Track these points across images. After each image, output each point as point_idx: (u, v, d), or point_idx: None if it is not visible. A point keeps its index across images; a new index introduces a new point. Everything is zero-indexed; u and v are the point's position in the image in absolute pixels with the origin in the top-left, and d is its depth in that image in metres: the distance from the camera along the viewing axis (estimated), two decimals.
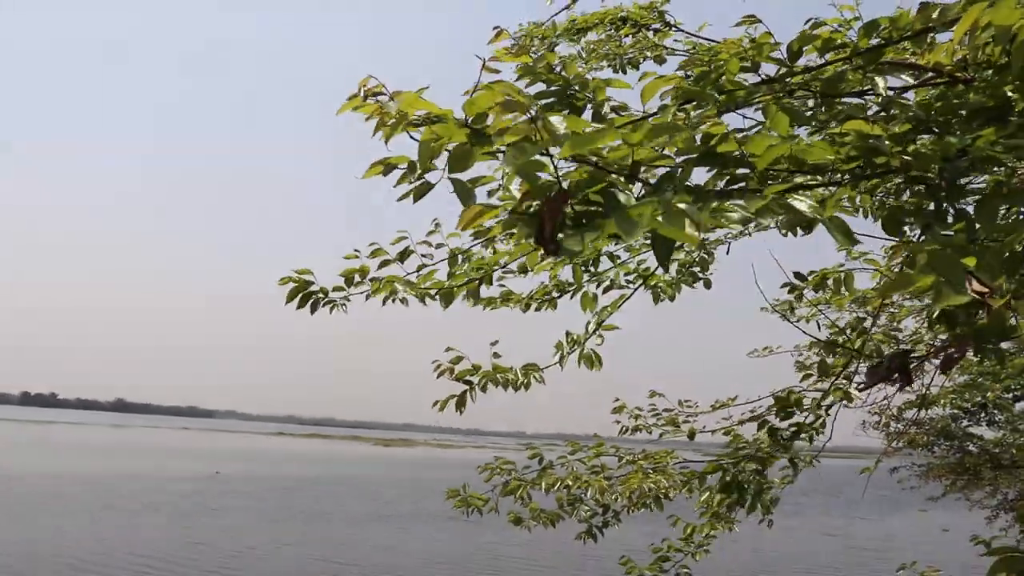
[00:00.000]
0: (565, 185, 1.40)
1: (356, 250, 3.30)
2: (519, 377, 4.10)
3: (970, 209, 1.54)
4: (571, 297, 4.11)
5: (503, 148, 1.38)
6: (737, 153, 1.56)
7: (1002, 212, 1.68)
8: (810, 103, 2.66)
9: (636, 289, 4.35)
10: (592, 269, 4.00)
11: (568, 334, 4.27)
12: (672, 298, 4.50)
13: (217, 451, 77.67)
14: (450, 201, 1.52)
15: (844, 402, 4.24)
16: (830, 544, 28.78)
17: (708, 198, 1.36)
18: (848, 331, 5.02)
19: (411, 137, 1.51)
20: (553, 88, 2.18)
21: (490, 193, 2.16)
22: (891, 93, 2.25)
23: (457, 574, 19.17)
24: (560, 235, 1.36)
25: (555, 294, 4.20)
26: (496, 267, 3.46)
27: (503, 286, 4.09)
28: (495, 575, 19.39)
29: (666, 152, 1.65)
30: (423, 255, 3.32)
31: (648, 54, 5.36)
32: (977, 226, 1.43)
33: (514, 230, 1.48)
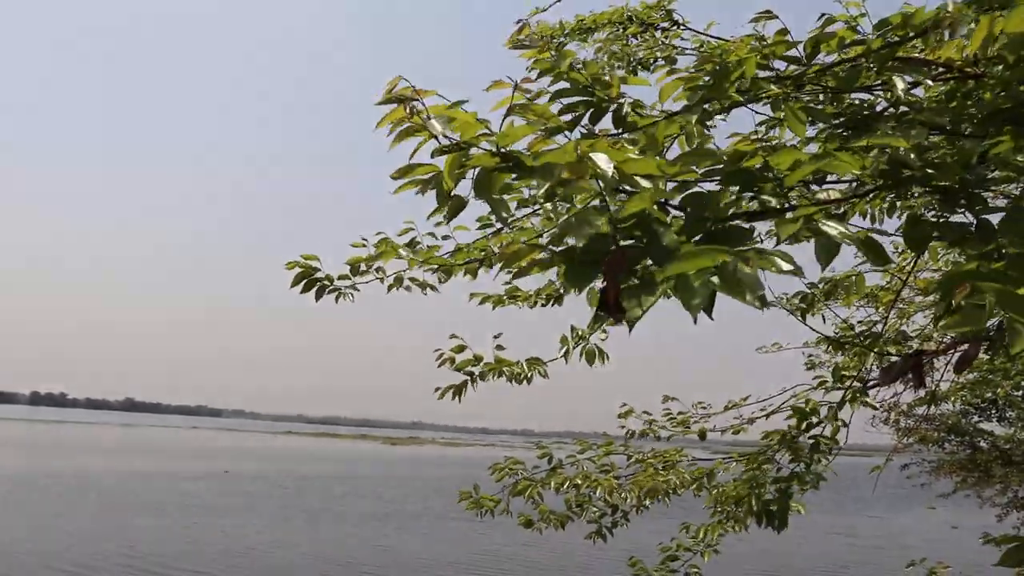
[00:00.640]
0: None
1: (363, 238, 3.29)
2: (523, 370, 4.09)
3: (994, 220, 1.53)
4: (578, 293, 4.09)
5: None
6: (762, 167, 1.55)
7: None
8: (820, 97, 2.65)
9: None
10: None
11: (573, 329, 4.26)
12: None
13: (226, 450, 77.93)
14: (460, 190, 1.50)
15: (860, 407, 4.24)
16: (839, 542, 28.69)
17: (744, 236, 1.33)
18: (858, 330, 5.00)
19: (439, 140, 1.50)
20: (576, 88, 2.17)
21: (520, 203, 2.15)
22: (907, 87, 2.24)
23: (468, 572, 19.17)
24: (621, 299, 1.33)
25: (562, 291, 4.18)
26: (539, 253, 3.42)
27: (508, 283, 4.07)
28: (506, 575, 19.37)
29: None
30: (429, 247, 3.31)
31: (658, 54, 5.34)
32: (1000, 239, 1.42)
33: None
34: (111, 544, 20.12)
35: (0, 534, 20.55)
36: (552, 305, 4.22)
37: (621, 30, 5.38)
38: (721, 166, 1.58)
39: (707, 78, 2.17)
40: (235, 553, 19.99)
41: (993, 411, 14.88)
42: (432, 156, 1.51)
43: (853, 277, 4.78)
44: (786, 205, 1.57)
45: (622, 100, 2.20)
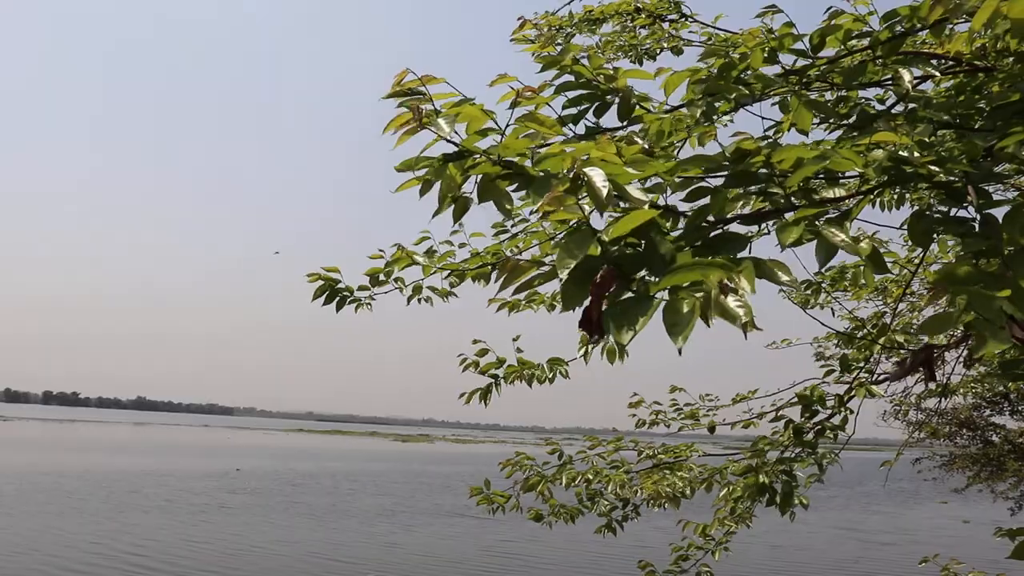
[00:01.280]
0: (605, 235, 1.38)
1: (380, 250, 3.34)
2: (544, 371, 4.11)
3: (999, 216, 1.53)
4: (572, 310, 4.09)
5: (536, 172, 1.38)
6: (764, 165, 1.55)
7: None
8: (827, 95, 2.65)
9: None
10: None
11: None
12: None
13: (237, 448, 78.25)
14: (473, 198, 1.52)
15: (867, 397, 4.23)
16: (850, 538, 28.58)
17: (742, 243, 1.33)
18: (868, 324, 4.99)
19: (448, 140, 1.51)
20: (579, 81, 2.17)
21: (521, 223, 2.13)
22: (914, 82, 2.23)
23: (469, 572, 19.17)
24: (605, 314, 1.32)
25: (560, 307, 4.18)
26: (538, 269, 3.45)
27: (532, 288, 4.08)
28: (509, 573, 19.37)
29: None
30: (445, 254, 3.35)
31: (665, 45, 5.34)
32: (1004, 236, 1.41)
33: (545, 299, 1.46)
34: (115, 543, 20.20)
35: (6, 532, 20.68)
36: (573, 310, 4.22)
37: (629, 21, 5.37)
38: (725, 166, 1.58)
39: (712, 71, 2.17)
40: (242, 551, 20.05)
41: (1005, 404, 14.81)
42: (438, 163, 1.53)
43: (861, 267, 4.77)
44: (789, 205, 1.57)
45: (627, 92, 2.20)
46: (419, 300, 3.44)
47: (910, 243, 4.94)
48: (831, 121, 2.59)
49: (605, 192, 1.32)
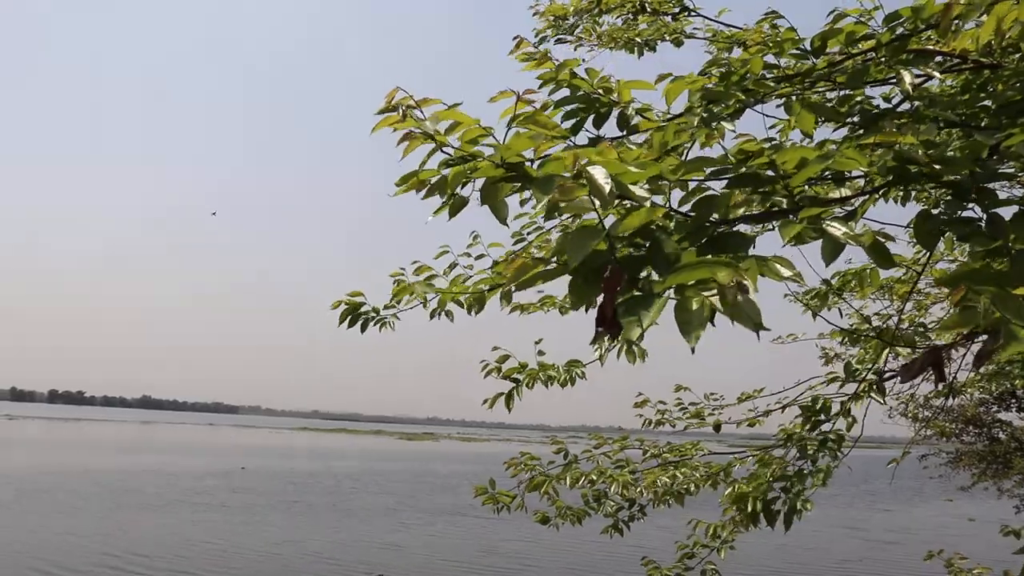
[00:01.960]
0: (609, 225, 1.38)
1: (401, 268, 3.35)
2: (562, 374, 4.13)
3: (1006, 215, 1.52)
4: (582, 308, 4.09)
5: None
6: (768, 166, 1.55)
7: None
8: (831, 95, 2.64)
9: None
10: None
11: None
12: None
13: (243, 447, 78.39)
14: (487, 211, 1.52)
15: (874, 398, 4.22)
16: (855, 536, 28.54)
17: (746, 242, 1.33)
18: (874, 322, 4.97)
19: (443, 152, 1.52)
20: (578, 95, 2.18)
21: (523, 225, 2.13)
22: (917, 81, 2.22)
23: (467, 572, 19.16)
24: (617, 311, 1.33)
25: (568, 306, 4.17)
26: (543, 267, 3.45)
27: (540, 291, 4.10)
28: (507, 573, 19.35)
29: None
30: (465, 268, 3.35)
31: (666, 37, 5.33)
32: (1012, 236, 1.41)
33: (556, 301, 1.45)
34: (111, 542, 20.23)
35: (7, 532, 20.74)
36: (587, 311, 4.22)
37: (632, 16, 5.37)
38: (728, 168, 1.58)
39: (712, 83, 2.17)
40: (238, 551, 20.02)
41: (1012, 401, 14.77)
42: (439, 168, 1.54)
43: (868, 270, 4.75)
44: (793, 205, 1.57)
45: (627, 104, 2.20)
46: (438, 315, 3.43)
47: (915, 242, 4.93)
48: (837, 121, 2.58)
49: (608, 188, 1.32)
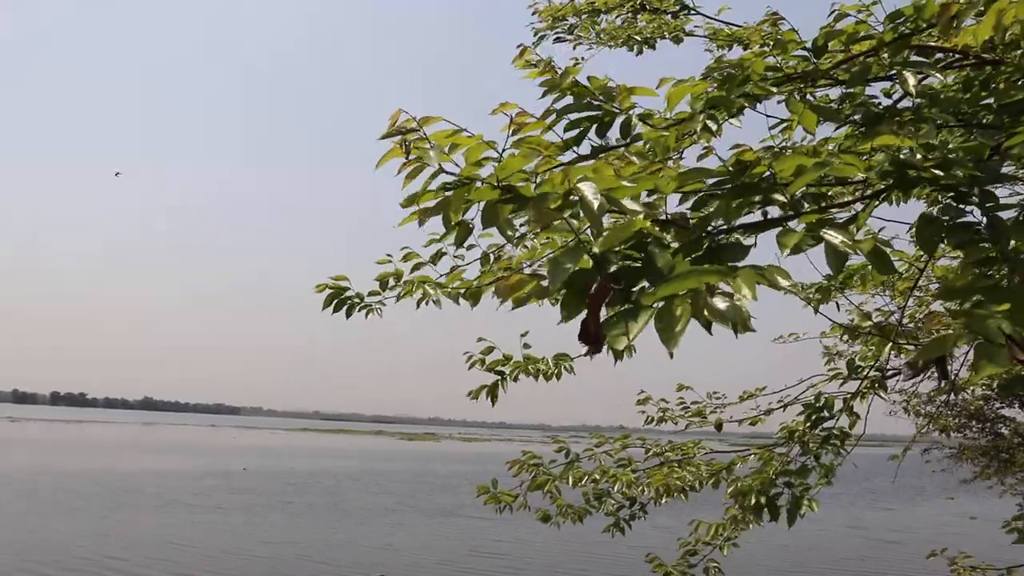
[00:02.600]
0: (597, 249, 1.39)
1: (388, 255, 3.34)
2: (550, 367, 4.12)
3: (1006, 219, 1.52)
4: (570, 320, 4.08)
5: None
6: (767, 174, 1.55)
7: None
8: (833, 94, 2.64)
9: None
10: None
11: None
12: None
13: (244, 448, 78.44)
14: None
15: (876, 395, 4.22)
16: (857, 535, 28.52)
17: (742, 252, 1.34)
18: (875, 319, 4.96)
19: (445, 171, 1.54)
20: (581, 103, 2.18)
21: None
22: (917, 83, 2.22)
23: (461, 572, 19.14)
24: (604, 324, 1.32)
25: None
26: (527, 263, 3.46)
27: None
28: (501, 574, 19.33)
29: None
30: (455, 256, 3.33)
31: (666, 34, 5.33)
32: (1012, 242, 1.40)
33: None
34: (106, 543, 20.21)
35: (7, 533, 20.76)
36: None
37: (631, 15, 5.37)
38: (727, 178, 1.58)
39: (713, 86, 2.18)
40: (231, 552, 19.96)
41: (1013, 398, 14.75)
42: (438, 191, 1.56)
43: (869, 266, 4.75)
44: (793, 212, 1.57)
45: (630, 112, 2.21)
46: (427, 302, 3.43)
47: (923, 263, 4.92)
48: (839, 120, 2.58)
49: (597, 204, 1.34)
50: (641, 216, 1.35)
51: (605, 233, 1.35)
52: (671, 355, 1.17)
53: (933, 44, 2.50)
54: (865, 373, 4.46)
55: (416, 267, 3.32)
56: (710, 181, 1.59)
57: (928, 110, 2.07)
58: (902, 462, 6.99)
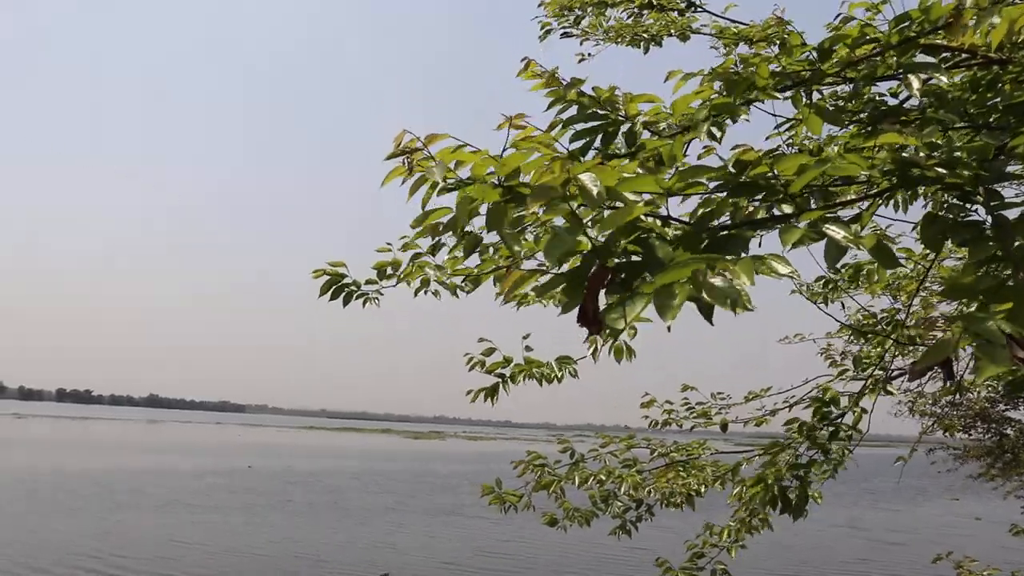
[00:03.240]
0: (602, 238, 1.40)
1: (388, 243, 3.32)
2: (552, 370, 4.10)
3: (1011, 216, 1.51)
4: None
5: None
6: (770, 175, 1.55)
7: None
8: (840, 90, 2.64)
9: None
10: None
11: None
12: None
13: (249, 446, 78.61)
14: None
15: (882, 394, 4.22)
16: (861, 537, 28.47)
17: (743, 244, 1.34)
18: (881, 320, 4.95)
19: (447, 182, 1.55)
20: (586, 113, 2.19)
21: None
22: (922, 86, 2.22)
23: (460, 572, 19.14)
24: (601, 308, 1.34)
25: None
26: (527, 258, 3.45)
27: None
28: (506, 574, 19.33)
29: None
30: (454, 248, 3.30)
31: (672, 32, 5.33)
32: (1017, 242, 1.39)
33: (553, 294, 1.47)
34: (105, 542, 20.25)
35: (8, 532, 20.82)
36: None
37: (638, 11, 5.36)
38: (727, 178, 1.58)
39: (719, 86, 2.18)
40: (228, 551, 19.97)
41: (1020, 399, 14.71)
42: (438, 195, 1.58)
43: (876, 265, 4.73)
44: (795, 208, 1.56)
45: (635, 119, 2.21)
46: (425, 292, 3.42)
47: (930, 261, 4.91)
48: (844, 116, 2.58)
49: (596, 191, 1.35)
50: (641, 204, 1.35)
51: (605, 216, 1.35)
52: (668, 328, 1.18)
53: (940, 43, 2.49)
54: (870, 372, 4.46)
55: (415, 256, 3.29)
56: (712, 184, 1.58)
57: (934, 110, 2.07)
58: (907, 462, 6.97)
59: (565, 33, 5.49)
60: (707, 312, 1.20)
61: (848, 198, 1.67)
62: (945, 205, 1.60)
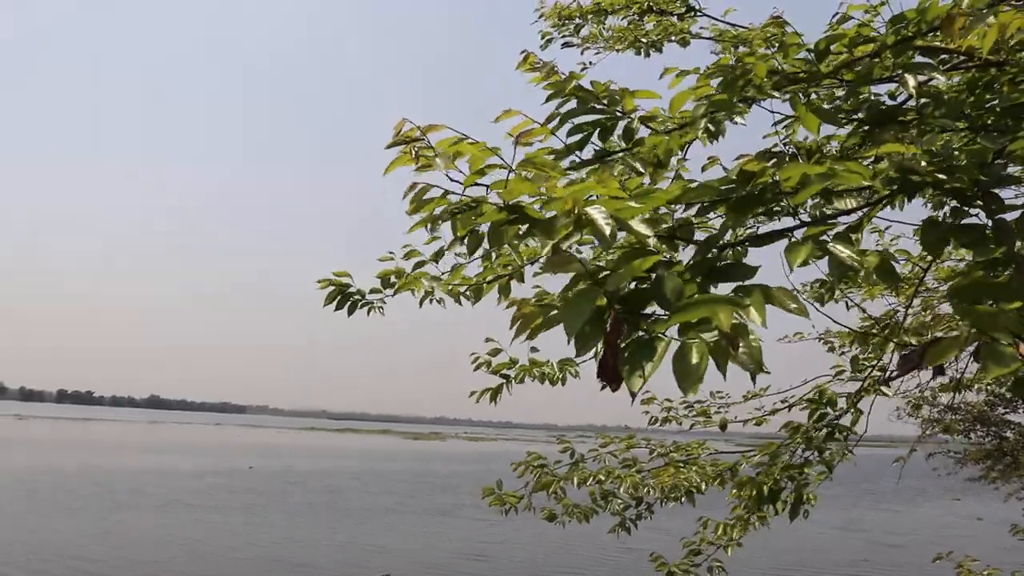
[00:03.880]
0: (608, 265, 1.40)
1: (390, 252, 3.33)
2: (555, 371, 4.13)
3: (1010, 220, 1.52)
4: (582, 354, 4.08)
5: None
6: (772, 183, 1.56)
7: None
8: (838, 92, 2.65)
9: None
10: None
11: None
12: None
13: (250, 446, 78.63)
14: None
15: (879, 394, 4.22)
16: (859, 538, 28.45)
17: (749, 272, 1.34)
18: (880, 323, 4.96)
19: (449, 178, 1.56)
20: (585, 107, 2.20)
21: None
22: (922, 79, 2.22)
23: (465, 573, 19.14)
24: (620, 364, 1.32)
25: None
26: (530, 263, 3.46)
27: (538, 286, 4.10)
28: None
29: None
30: (457, 255, 3.31)
31: (672, 37, 5.34)
32: (1018, 244, 1.40)
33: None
34: (115, 542, 20.27)
35: (8, 533, 20.82)
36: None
37: (637, 17, 5.38)
38: (730, 191, 1.59)
39: (716, 83, 2.19)
40: (217, 552, 19.95)
41: (1019, 402, 14.72)
42: (443, 220, 1.60)
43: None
44: (798, 222, 1.58)
45: (633, 115, 2.22)
46: (431, 301, 3.43)
47: (928, 264, 4.91)
48: (842, 117, 2.59)
49: (608, 231, 1.35)
50: (653, 242, 1.36)
51: (620, 271, 1.35)
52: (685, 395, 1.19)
53: (937, 45, 2.50)
54: (868, 373, 4.46)
55: (418, 264, 3.29)
56: (714, 198, 1.59)
57: (932, 113, 2.08)
58: (906, 463, 6.98)
59: (566, 43, 5.51)
60: (723, 367, 1.21)
61: (849, 207, 1.68)
62: (945, 209, 1.61)
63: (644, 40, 5.25)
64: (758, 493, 4.16)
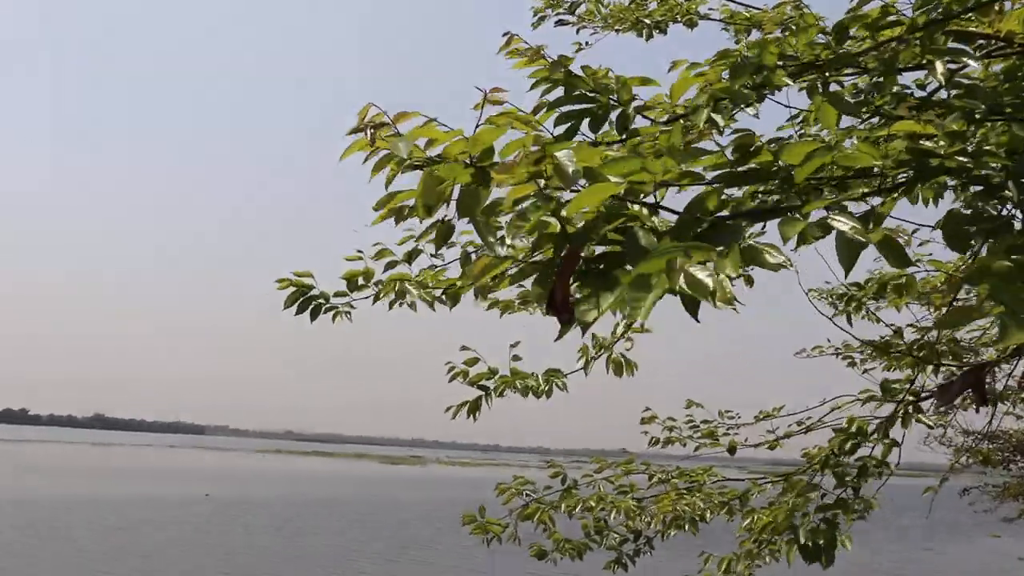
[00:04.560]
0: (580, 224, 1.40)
1: (359, 251, 3.27)
2: (540, 383, 4.08)
3: None
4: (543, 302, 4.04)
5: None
6: (771, 163, 1.56)
7: None
8: (860, 83, 2.66)
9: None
10: None
11: (594, 337, 4.25)
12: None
13: (207, 471, 77.99)
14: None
15: (922, 421, 4.19)
16: None
17: (736, 234, 1.35)
18: (910, 337, 4.95)
19: (416, 166, 1.56)
20: (573, 95, 2.19)
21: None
22: (952, 68, 2.23)
23: None
24: (572, 299, 1.34)
25: (578, 295, 4.15)
26: (511, 265, 3.44)
27: (522, 286, 4.08)
28: None
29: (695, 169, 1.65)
30: (432, 255, 3.26)
31: (678, 18, 5.34)
32: None
33: (524, 284, 1.47)
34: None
35: None
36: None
37: None
38: (727, 165, 1.59)
39: (725, 74, 2.19)
40: None
41: None
42: (402, 172, 1.57)
43: (903, 278, 4.74)
44: (799, 202, 1.57)
45: (628, 103, 2.22)
46: (401, 305, 3.40)
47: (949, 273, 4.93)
48: (865, 112, 2.59)
49: (571, 169, 1.35)
50: (623, 183, 1.36)
51: (582, 197, 1.34)
52: (642, 325, 1.19)
53: (973, 30, 2.51)
54: (901, 397, 4.44)
55: (390, 265, 3.24)
56: (710, 175, 1.59)
57: (961, 100, 2.07)
58: (938, 493, 6.94)
59: (560, 20, 5.50)
60: (692, 307, 1.21)
61: (859, 191, 1.68)
62: (968, 199, 1.61)
63: (647, 20, 5.25)
64: (790, 540, 4.10)
